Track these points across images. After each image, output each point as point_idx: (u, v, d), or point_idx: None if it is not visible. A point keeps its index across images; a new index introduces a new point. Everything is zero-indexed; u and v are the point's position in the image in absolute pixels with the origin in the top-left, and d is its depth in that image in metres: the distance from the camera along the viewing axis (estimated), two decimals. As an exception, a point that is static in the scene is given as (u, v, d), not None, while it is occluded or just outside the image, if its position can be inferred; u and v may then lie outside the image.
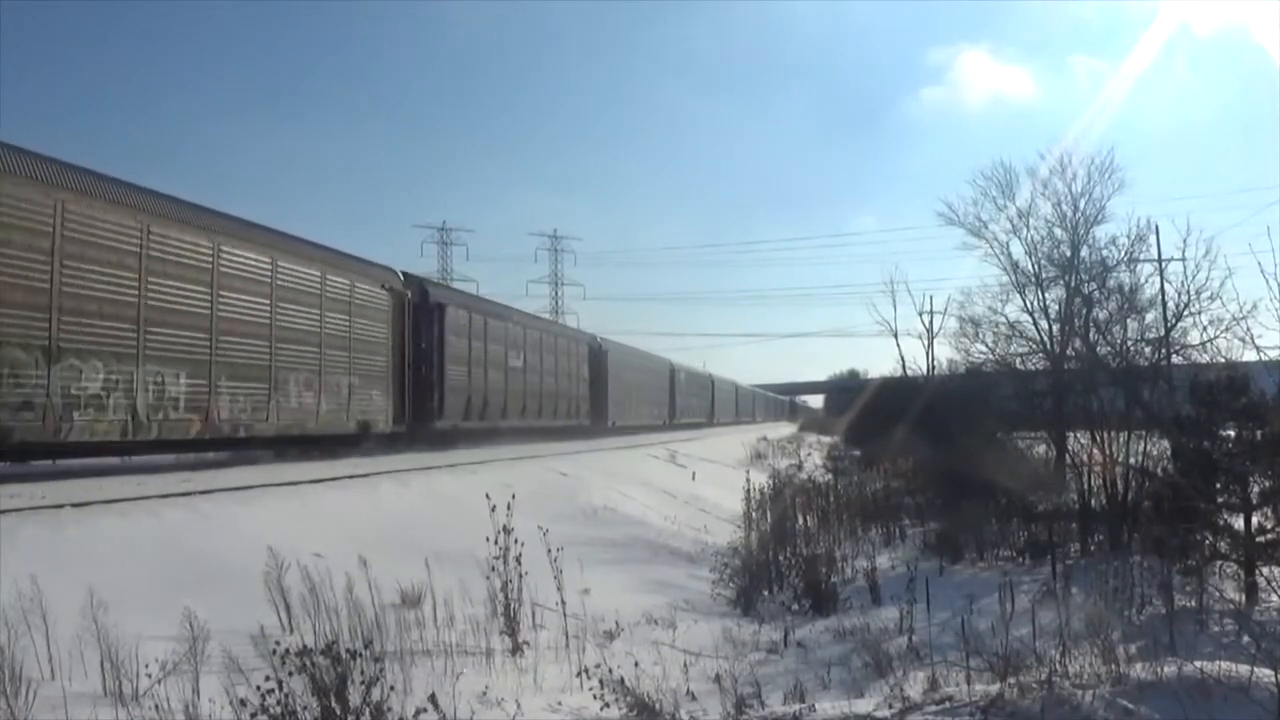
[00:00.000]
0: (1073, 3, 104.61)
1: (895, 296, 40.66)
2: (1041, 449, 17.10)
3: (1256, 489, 9.32)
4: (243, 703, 4.32)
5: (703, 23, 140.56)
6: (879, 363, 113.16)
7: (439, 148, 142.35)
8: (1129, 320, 18.21)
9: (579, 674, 6.29)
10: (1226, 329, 14.79)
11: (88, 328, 12.20)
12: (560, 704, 5.87)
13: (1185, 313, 16.62)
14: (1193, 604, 8.33)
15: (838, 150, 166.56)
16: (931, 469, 18.83)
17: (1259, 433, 9.61)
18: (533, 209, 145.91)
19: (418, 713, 4.58)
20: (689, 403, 55.69)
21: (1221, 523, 9.38)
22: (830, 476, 23.86)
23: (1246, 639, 6.04)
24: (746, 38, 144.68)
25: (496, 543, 7.34)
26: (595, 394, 35.71)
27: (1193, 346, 16.51)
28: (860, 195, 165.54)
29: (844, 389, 72.54)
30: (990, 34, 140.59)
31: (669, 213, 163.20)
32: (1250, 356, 13.19)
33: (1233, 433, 9.85)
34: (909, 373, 38.71)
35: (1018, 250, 20.27)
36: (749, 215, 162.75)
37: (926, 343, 40.28)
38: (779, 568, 11.60)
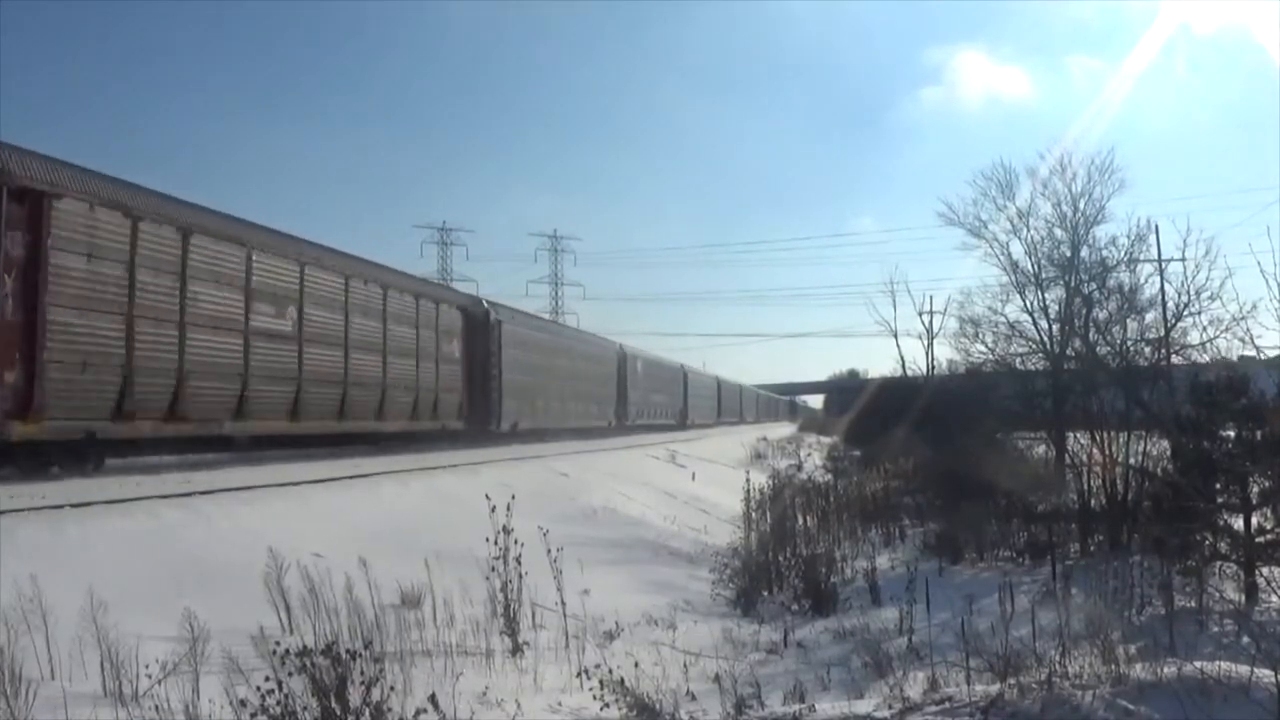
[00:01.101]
0: (1069, 2, 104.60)
1: (895, 297, 40.54)
2: (1041, 449, 17.11)
3: (1256, 489, 9.31)
4: (243, 703, 4.32)
5: (700, 23, 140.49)
6: (879, 363, 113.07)
7: (438, 147, 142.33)
8: (1129, 320, 18.21)
9: (579, 674, 6.29)
10: (1226, 329, 14.79)
11: None
12: (560, 704, 5.87)
13: (1185, 313, 16.62)
14: (1193, 604, 8.32)
15: (836, 150, 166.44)
16: (931, 469, 18.83)
17: (1259, 433, 9.60)
18: (532, 209, 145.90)
19: (418, 713, 4.59)
20: (650, 400, 45.51)
21: (1221, 523, 9.37)
22: (830, 477, 23.86)
23: (1246, 639, 6.04)
24: (744, 38, 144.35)
25: (496, 543, 7.35)
26: (476, 384, 24.64)
27: (1193, 346, 16.51)
28: (859, 195, 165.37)
29: (844, 389, 72.07)
30: (986, 34, 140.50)
31: (668, 213, 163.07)
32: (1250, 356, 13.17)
33: (1233, 433, 9.85)
34: (909, 373, 38.70)
35: (1018, 250, 20.27)
36: (748, 215, 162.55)
37: (926, 343, 40.26)
38: (779, 568, 11.59)
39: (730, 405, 71.50)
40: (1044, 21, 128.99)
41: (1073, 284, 19.03)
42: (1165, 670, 5.11)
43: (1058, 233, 19.67)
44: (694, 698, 6.14)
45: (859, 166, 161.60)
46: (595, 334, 43.06)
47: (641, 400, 43.82)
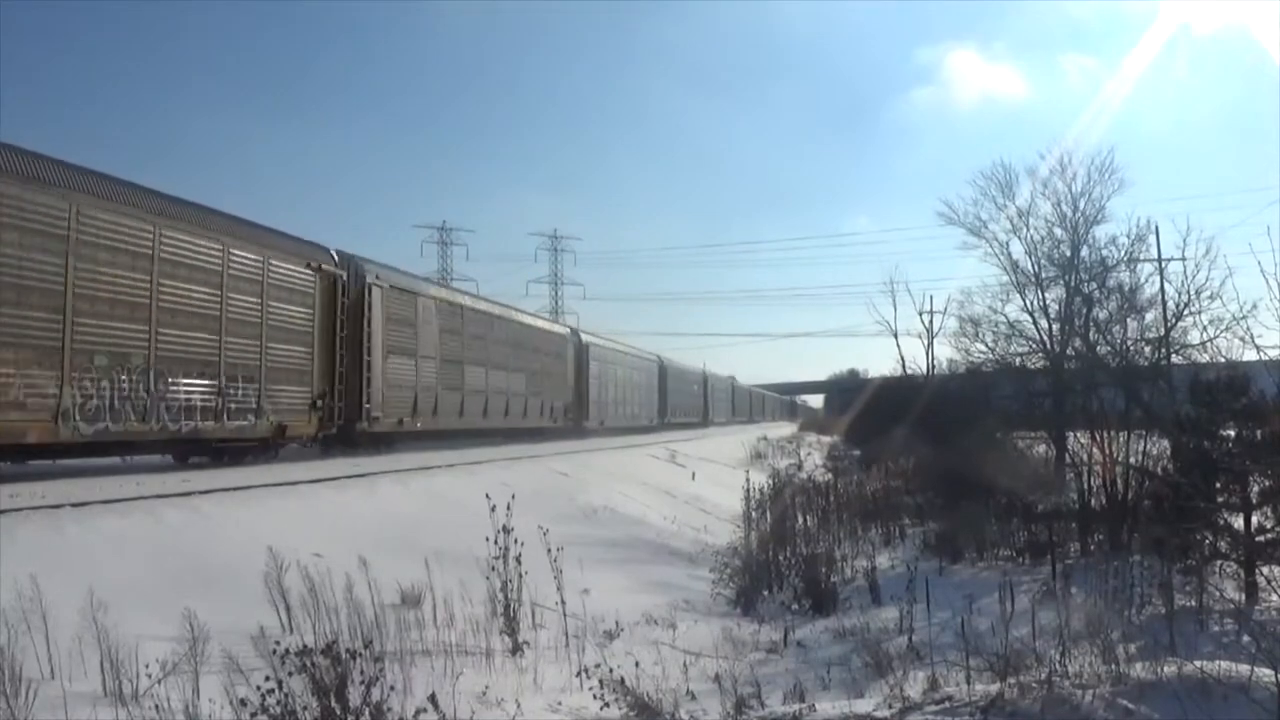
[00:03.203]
0: (1064, 2, 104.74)
1: (895, 296, 40.68)
2: (1041, 449, 17.11)
3: (1256, 489, 9.32)
4: (243, 703, 4.32)
5: (693, 23, 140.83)
6: (879, 363, 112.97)
7: (436, 147, 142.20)
8: (1129, 320, 18.31)
9: (579, 674, 6.29)
10: (1226, 329, 14.82)
11: None
12: (560, 704, 5.87)
13: (1185, 313, 16.70)
14: (1193, 604, 8.32)
15: (831, 150, 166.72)
16: (931, 469, 18.83)
17: (1259, 433, 9.60)
18: (530, 209, 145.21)
19: (418, 713, 4.59)
20: (488, 387, 24.84)
21: (1221, 522, 9.37)
22: (830, 476, 23.86)
23: (1246, 639, 6.04)
24: (736, 37, 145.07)
25: (496, 542, 7.35)
26: None
27: (1193, 346, 16.55)
28: (855, 195, 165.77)
29: (844, 389, 71.72)
30: (978, 32, 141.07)
31: (664, 212, 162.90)
32: (1250, 356, 13.19)
33: (1233, 433, 9.85)
34: (909, 373, 38.72)
35: (1018, 250, 20.36)
36: (744, 215, 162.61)
37: (926, 343, 40.30)
38: (779, 568, 11.61)
39: (685, 401, 46.48)
40: (1037, 20, 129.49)
41: (1073, 284, 19.09)
42: (1165, 670, 5.11)
43: (1058, 232, 19.76)
44: (694, 697, 6.13)
45: (855, 166, 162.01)
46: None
47: (449, 383, 22.93)
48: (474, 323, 25.01)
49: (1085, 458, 13.74)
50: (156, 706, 4.75)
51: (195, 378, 14.37)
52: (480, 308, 26.40)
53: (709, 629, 8.50)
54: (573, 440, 28.17)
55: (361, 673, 4.54)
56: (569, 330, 35.08)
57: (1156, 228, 20.51)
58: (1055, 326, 19.28)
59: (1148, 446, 12.85)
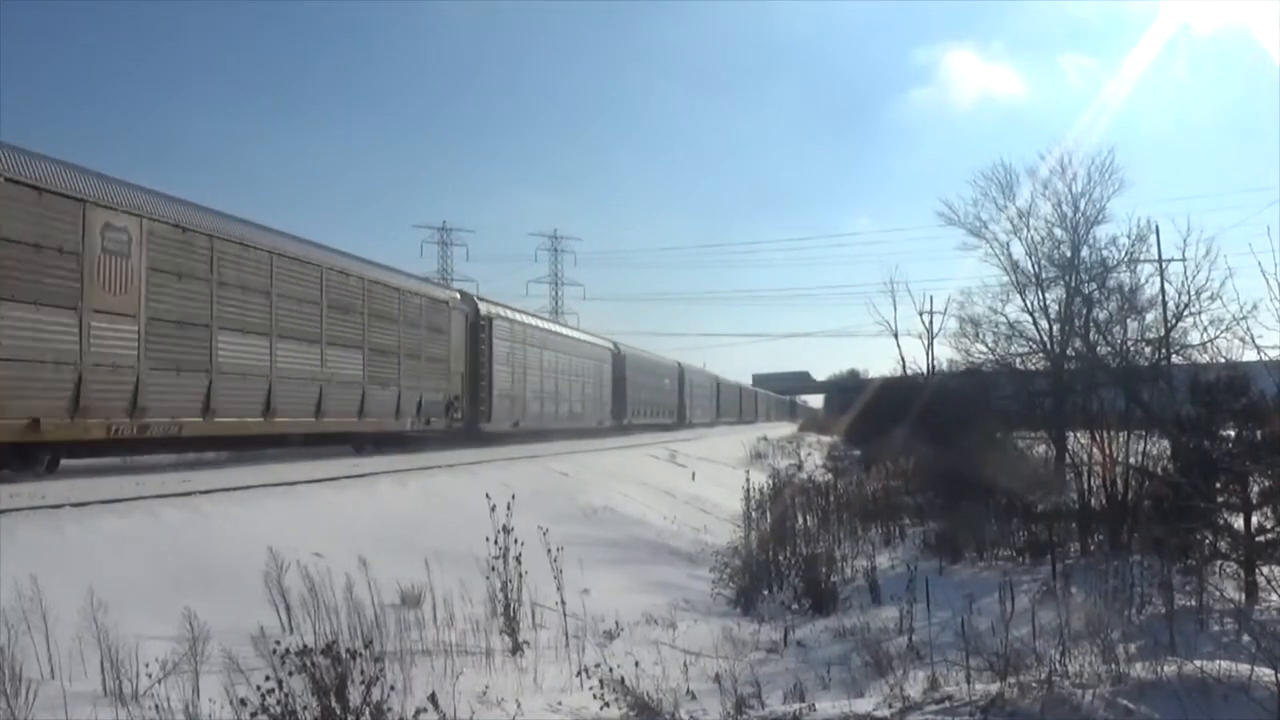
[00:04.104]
0: (1062, 2, 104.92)
1: (895, 297, 40.82)
2: (1041, 449, 17.11)
3: (1256, 489, 9.31)
4: (243, 702, 4.32)
5: (692, 22, 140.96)
6: (879, 363, 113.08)
7: (436, 148, 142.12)
8: (1129, 320, 18.33)
9: (579, 674, 6.29)
10: (1227, 329, 14.84)
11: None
12: (560, 704, 5.87)
13: (1185, 313, 16.72)
14: (1193, 604, 8.32)
15: (830, 150, 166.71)
16: (931, 469, 18.81)
17: (1259, 433, 9.60)
18: (529, 209, 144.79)
19: (418, 713, 4.59)
20: (274, 371, 15.78)
21: (1221, 522, 9.37)
22: (830, 476, 23.85)
23: (1246, 639, 6.04)
24: (737, 37, 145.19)
25: (496, 542, 7.35)
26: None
27: (1193, 346, 16.57)
28: (855, 195, 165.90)
29: (844, 389, 71.62)
30: (977, 32, 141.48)
31: (664, 212, 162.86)
32: (1250, 357, 13.20)
33: (1233, 433, 9.85)
34: (909, 373, 38.76)
35: (1018, 250, 20.38)
36: (744, 215, 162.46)
37: (926, 343, 40.38)
38: (779, 567, 11.60)
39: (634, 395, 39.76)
40: (1036, 20, 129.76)
41: (1073, 284, 19.12)
42: (1165, 669, 5.11)
43: (1058, 233, 19.79)
44: (694, 697, 6.13)
45: (855, 166, 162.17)
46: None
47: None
48: (239, 265, 15.14)
49: (1085, 458, 13.74)
50: (156, 706, 4.75)
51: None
52: (251, 240, 15.71)
53: (709, 629, 8.50)
54: (468, 449, 20.64)
55: (361, 672, 4.54)
56: (457, 295, 24.96)
57: (1157, 228, 20.57)
58: (1055, 327, 19.32)
59: (1148, 446, 12.85)
